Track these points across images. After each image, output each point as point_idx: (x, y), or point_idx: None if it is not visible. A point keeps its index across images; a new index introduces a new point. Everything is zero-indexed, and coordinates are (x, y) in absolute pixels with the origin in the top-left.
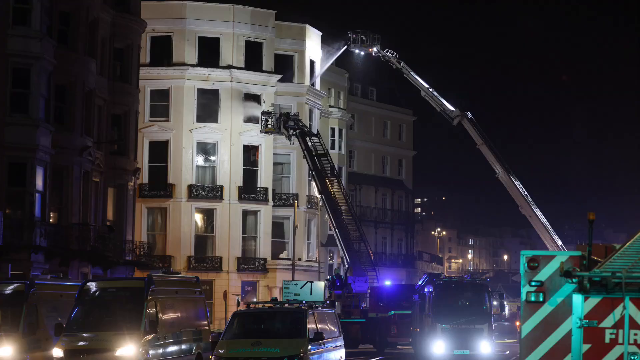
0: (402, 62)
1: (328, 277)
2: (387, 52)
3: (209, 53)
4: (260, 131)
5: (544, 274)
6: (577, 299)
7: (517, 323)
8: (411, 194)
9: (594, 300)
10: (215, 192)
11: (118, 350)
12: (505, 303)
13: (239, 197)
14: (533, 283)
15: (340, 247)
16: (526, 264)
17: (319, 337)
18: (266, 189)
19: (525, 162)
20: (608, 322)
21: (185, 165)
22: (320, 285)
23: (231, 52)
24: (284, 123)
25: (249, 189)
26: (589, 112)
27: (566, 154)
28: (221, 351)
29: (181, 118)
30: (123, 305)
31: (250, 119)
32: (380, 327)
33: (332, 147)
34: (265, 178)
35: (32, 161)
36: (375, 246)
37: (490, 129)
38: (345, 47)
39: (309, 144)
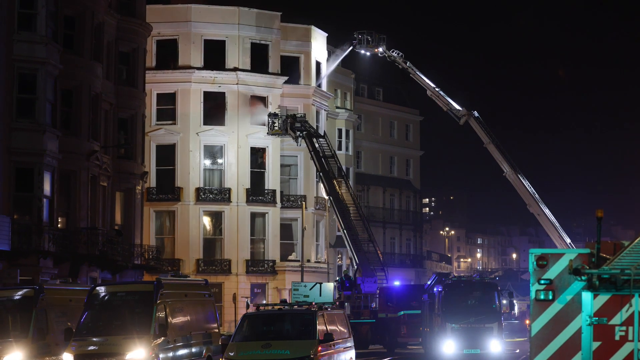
0: (408, 62)
1: (337, 278)
2: (392, 52)
3: (214, 56)
4: (267, 133)
5: (553, 272)
6: (587, 296)
7: (527, 321)
8: (419, 193)
9: (603, 298)
10: (223, 195)
11: (128, 354)
12: (514, 301)
13: (247, 199)
14: (542, 281)
15: (348, 248)
16: (535, 262)
17: (328, 338)
18: (274, 191)
19: (531, 160)
20: (618, 319)
21: (193, 168)
22: (330, 287)
23: (237, 54)
24: (290, 125)
25: (256, 191)
26: (597, 107)
27: (573, 151)
28: (231, 354)
29: (188, 121)
30: (132, 309)
31: (257, 121)
32: (390, 328)
33: (339, 148)
34: (272, 180)
35: (40, 166)
36: (383, 246)
37: (497, 126)
38: (351, 48)
39: (316, 145)
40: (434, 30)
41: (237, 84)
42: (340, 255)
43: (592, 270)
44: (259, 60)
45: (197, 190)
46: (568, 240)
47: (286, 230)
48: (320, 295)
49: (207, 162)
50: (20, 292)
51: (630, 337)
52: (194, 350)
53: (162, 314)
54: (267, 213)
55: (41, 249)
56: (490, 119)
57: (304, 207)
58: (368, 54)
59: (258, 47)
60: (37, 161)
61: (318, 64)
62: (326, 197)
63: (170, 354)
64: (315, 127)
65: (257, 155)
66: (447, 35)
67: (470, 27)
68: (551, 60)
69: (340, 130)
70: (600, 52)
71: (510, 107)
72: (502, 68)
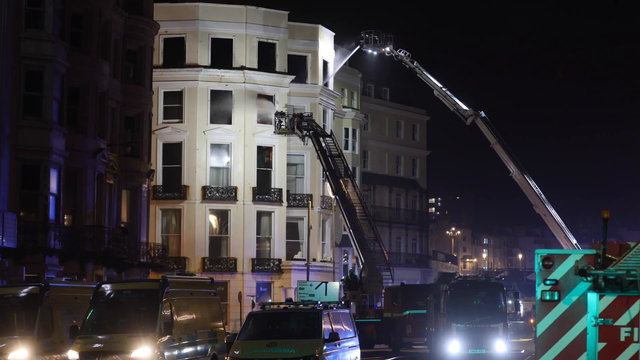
0: (415, 62)
1: (343, 278)
2: (400, 51)
3: (222, 54)
4: (274, 132)
5: (558, 273)
6: (592, 297)
7: (532, 322)
8: (425, 193)
9: (609, 299)
10: (229, 194)
11: (133, 352)
12: (520, 302)
13: (253, 198)
14: (548, 282)
15: (354, 247)
16: (541, 263)
17: (334, 337)
18: (280, 190)
19: (537, 160)
20: (623, 320)
21: (199, 167)
22: (335, 286)
23: (244, 53)
24: (297, 124)
25: (263, 190)
26: (602, 107)
27: (579, 152)
28: (236, 352)
29: (195, 119)
30: (138, 307)
31: (263, 120)
32: (396, 327)
33: (346, 148)
34: (279, 179)
35: (46, 164)
36: (389, 246)
37: (504, 126)
38: (358, 47)
39: (323, 144)
40: (439, 31)
41: (244, 82)
42: (346, 255)
43: (598, 271)
44: (266, 59)
45: (204, 188)
46: (574, 241)
47: (292, 229)
48: (325, 294)
49: (214, 161)
50: (25, 290)
51: (635, 339)
52: (199, 348)
53: (167, 312)
54: (273, 212)
55: (47, 246)
56: (493, 120)
57: (310, 206)
58: (375, 53)
59: (265, 45)
60: (44, 159)
61: (325, 63)
62: (332, 197)
63: (176, 352)
64: (322, 126)
65: (264, 154)
66: (452, 35)
67: (475, 29)
68: (553, 63)
69: (347, 130)
70: (602, 56)
71: (513, 110)
72: (505, 70)
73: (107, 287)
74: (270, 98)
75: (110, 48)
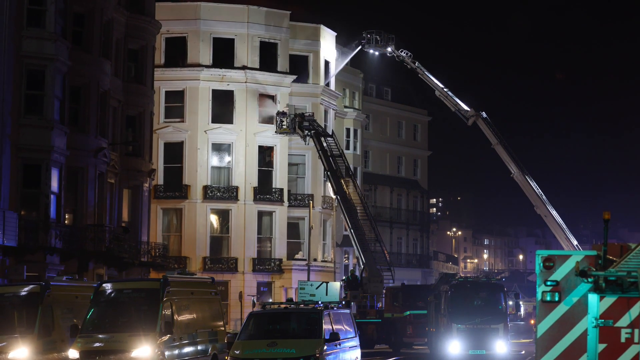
0: (417, 62)
1: (343, 278)
2: (401, 52)
3: (223, 54)
4: (275, 132)
5: (559, 274)
6: (593, 298)
7: (533, 322)
8: (426, 194)
9: (609, 300)
10: (230, 193)
11: (134, 351)
12: (520, 303)
13: (254, 197)
14: (549, 283)
15: (355, 247)
16: (542, 264)
17: (334, 337)
18: (281, 190)
19: (538, 160)
20: (624, 321)
21: (201, 166)
22: (336, 286)
23: (246, 52)
24: (298, 123)
25: (264, 189)
26: (604, 108)
27: (580, 152)
28: (237, 352)
29: (196, 119)
30: (139, 307)
31: (265, 120)
32: (396, 328)
33: (347, 148)
34: (280, 179)
35: (47, 163)
36: (390, 246)
37: (505, 127)
38: (359, 47)
39: (324, 144)
40: (440, 31)
41: (245, 82)
42: (346, 255)
43: (598, 272)
44: (267, 59)
45: (205, 188)
46: (575, 242)
47: (293, 229)
48: (326, 294)
49: (215, 160)
50: (26, 288)
51: (636, 340)
52: (199, 348)
53: (168, 312)
54: (274, 212)
55: (48, 245)
56: (495, 121)
57: (311, 206)
58: (377, 53)
59: (267, 45)
60: (45, 157)
61: (327, 63)
62: (333, 197)
63: (176, 352)
64: (323, 126)
65: (265, 153)
66: (452, 35)
67: (476, 30)
68: (554, 65)
69: (348, 130)
70: (603, 55)
71: (514, 110)
72: (506, 73)
73: (107, 286)
74: (271, 98)
75: (112, 47)
